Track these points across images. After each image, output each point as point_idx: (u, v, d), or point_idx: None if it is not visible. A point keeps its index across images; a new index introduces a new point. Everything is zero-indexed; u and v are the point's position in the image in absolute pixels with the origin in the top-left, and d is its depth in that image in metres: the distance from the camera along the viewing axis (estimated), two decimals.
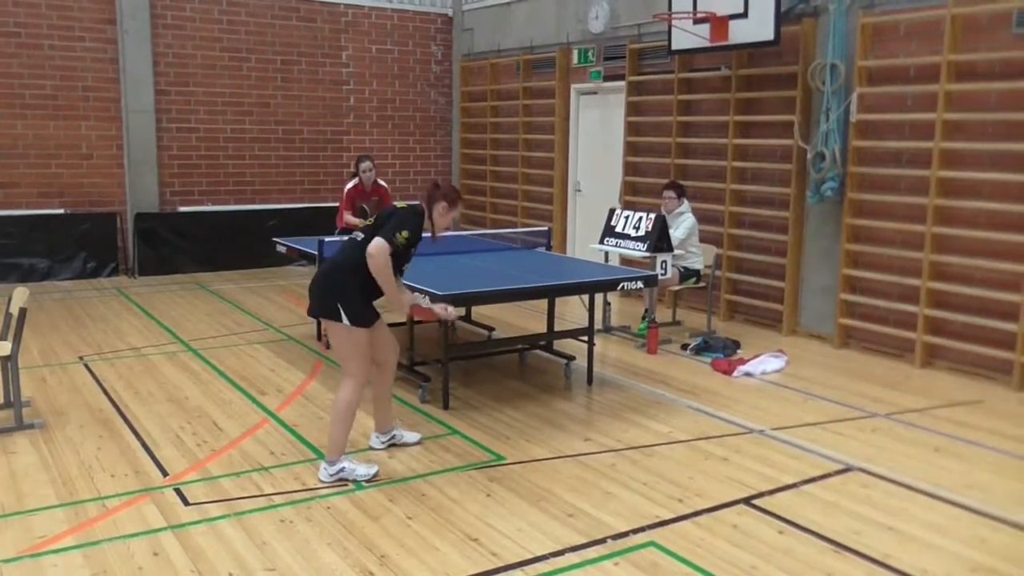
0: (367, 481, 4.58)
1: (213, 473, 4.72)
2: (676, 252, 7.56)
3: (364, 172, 8.31)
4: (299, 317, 8.66)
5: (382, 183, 8.61)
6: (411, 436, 5.20)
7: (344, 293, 4.51)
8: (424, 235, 4.74)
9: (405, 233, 4.47)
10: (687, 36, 8.29)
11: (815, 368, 7.02)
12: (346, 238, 4.81)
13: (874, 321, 7.46)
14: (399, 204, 4.76)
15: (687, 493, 4.50)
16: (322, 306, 4.60)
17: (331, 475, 4.58)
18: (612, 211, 8.07)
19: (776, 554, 3.86)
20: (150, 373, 6.64)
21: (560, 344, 7.09)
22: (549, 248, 7.90)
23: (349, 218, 8.25)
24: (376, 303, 4.69)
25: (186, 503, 4.32)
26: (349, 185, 8.40)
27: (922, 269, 6.97)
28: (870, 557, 3.84)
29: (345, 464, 4.60)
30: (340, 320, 4.50)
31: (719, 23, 7.95)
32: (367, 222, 4.80)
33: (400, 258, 4.60)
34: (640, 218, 7.59)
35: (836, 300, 7.69)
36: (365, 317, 4.57)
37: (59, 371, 6.65)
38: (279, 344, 7.60)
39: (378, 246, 4.40)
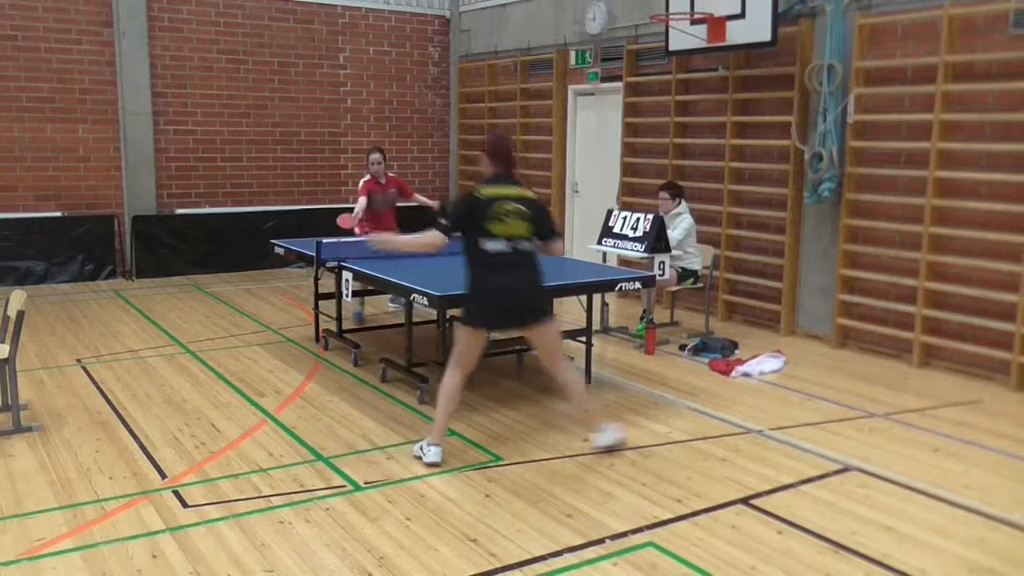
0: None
1: (211, 475, 4.72)
2: (674, 253, 7.56)
3: (373, 165, 8.36)
4: (297, 319, 8.66)
5: (392, 175, 8.62)
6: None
7: (547, 289, 4.92)
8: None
9: None
10: (684, 37, 8.30)
11: (813, 368, 7.02)
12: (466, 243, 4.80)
13: (872, 321, 7.46)
14: (508, 192, 4.73)
15: (686, 493, 4.50)
16: (543, 310, 4.87)
17: (610, 440, 5.01)
18: (610, 212, 8.08)
19: (775, 554, 3.86)
20: (148, 375, 6.63)
21: None
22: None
23: (357, 210, 8.20)
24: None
25: (185, 505, 4.32)
26: (365, 178, 8.45)
27: (920, 269, 6.98)
28: (868, 557, 3.84)
29: (611, 427, 5.05)
30: (552, 315, 4.86)
31: (716, 24, 7.95)
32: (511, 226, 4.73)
33: None
34: (638, 219, 7.59)
35: (834, 300, 7.70)
36: None
37: (57, 374, 6.65)
38: (277, 346, 7.60)
39: (560, 244, 5.01)
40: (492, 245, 4.65)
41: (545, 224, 4.83)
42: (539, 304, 4.85)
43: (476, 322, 4.81)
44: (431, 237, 4.78)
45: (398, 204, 8.62)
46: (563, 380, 5.04)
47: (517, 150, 4.99)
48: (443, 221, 4.74)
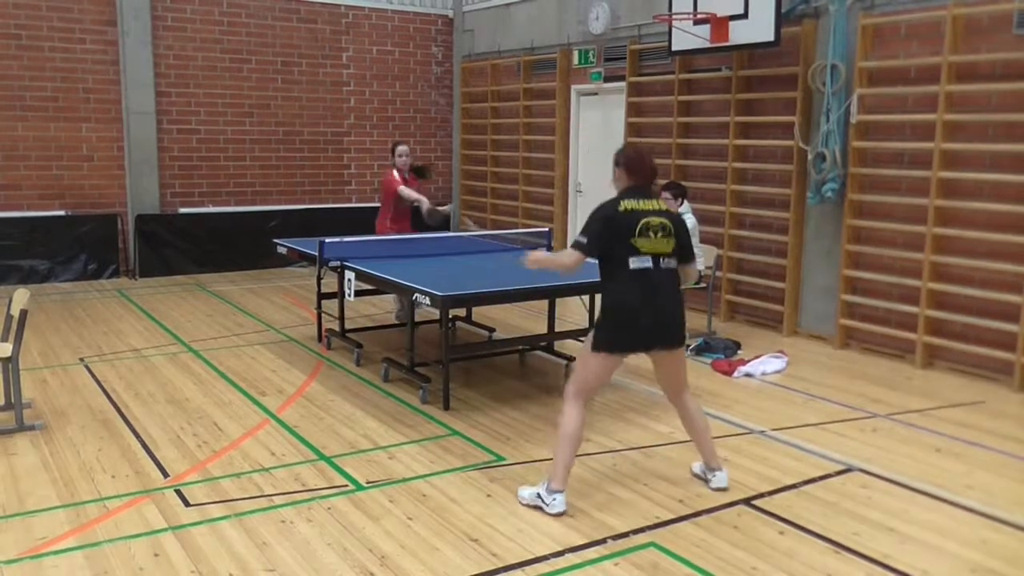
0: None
1: (214, 474, 4.72)
2: None
3: (400, 157, 7.99)
4: (300, 318, 8.66)
5: (416, 169, 8.29)
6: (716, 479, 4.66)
7: None
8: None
9: None
10: (687, 37, 8.29)
11: (816, 369, 7.01)
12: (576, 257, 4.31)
13: (875, 322, 7.46)
14: (652, 206, 4.36)
15: (687, 494, 4.50)
16: (681, 334, 4.46)
17: (725, 481, 4.59)
18: None
19: (776, 555, 3.85)
20: (151, 374, 6.64)
21: (561, 345, 7.09)
22: (550, 249, 7.88)
23: (407, 191, 7.84)
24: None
25: (187, 504, 4.32)
26: (393, 174, 8.00)
27: (923, 270, 6.97)
28: (870, 558, 3.83)
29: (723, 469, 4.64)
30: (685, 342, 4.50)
31: (719, 24, 7.95)
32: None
33: None
34: None
35: (837, 301, 7.69)
36: None
37: (60, 372, 6.66)
38: (280, 345, 7.61)
39: (695, 268, 4.62)
40: (638, 262, 4.25)
41: (687, 244, 4.43)
42: (681, 326, 4.44)
43: (616, 347, 4.33)
44: (568, 257, 4.33)
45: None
46: (685, 412, 4.61)
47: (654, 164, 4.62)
48: (581, 239, 4.29)
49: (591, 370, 4.39)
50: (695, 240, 7.77)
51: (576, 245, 4.31)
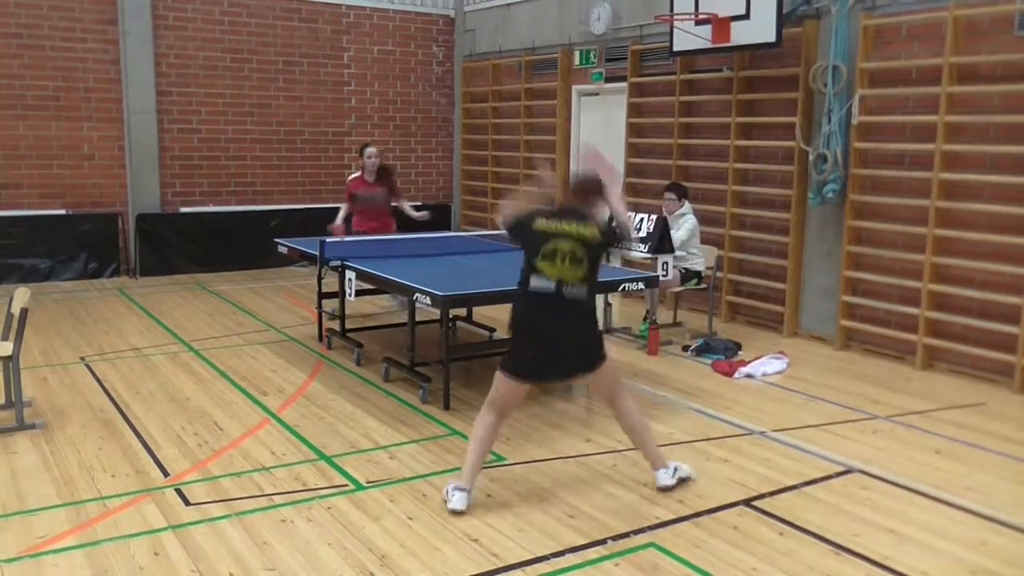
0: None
1: (214, 473, 4.72)
2: (677, 253, 7.55)
3: (369, 159, 8.26)
4: (300, 318, 8.66)
5: (387, 168, 8.56)
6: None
7: (598, 331, 4.38)
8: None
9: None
10: (689, 37, 8.29)
11: (816, 370, 7.01)
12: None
13: (875, 323, 7.45)
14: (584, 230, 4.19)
15: (687, 494, 4.50)
16: (585, 361, 4.28)
17: (673, 477, 4.50)
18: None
19: (776, 555, 3.85)
20: (151, 373, 6.64)
21: None
22: None
23: (338, 219, 8.21)
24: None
25: (187, 503, 4.32)
26: (351, 176, 8.44)
27: (923, 271, 6.97)
28: (870, 559, 3.83)
29: (673, 463, 4.55)
30: (606, 356, 4.31)
31: (721, 24, 7.95)
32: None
33: None
34: (642, 219, 7.58)
35: (837, 302, 7.68)
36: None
37: (60, 371, 6.66)
38: (280, 345, 7.61)
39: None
40: (538, 283, 4.15)
41: (597, 268, 4.28)
42: (579, 356, 4.27)
43: (514, 373, 4.26)
44: (500, 211, 4.41)
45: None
46: (617, 414, 4.54)
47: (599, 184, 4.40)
48: (507, 212, 4.33)
49: (500, 389, 4.33)
50: (695, 241, 7.80)
51: (503, 217, 4.35)
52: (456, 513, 4.21)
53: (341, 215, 8.32)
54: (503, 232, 4.38)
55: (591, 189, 4.35)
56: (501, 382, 4.31)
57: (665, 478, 4.50)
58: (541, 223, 4.21)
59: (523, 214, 4.31)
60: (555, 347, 4.21)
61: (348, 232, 8.21)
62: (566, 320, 4.17)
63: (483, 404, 4.41)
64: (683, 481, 4.56)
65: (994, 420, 5.80)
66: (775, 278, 8.25)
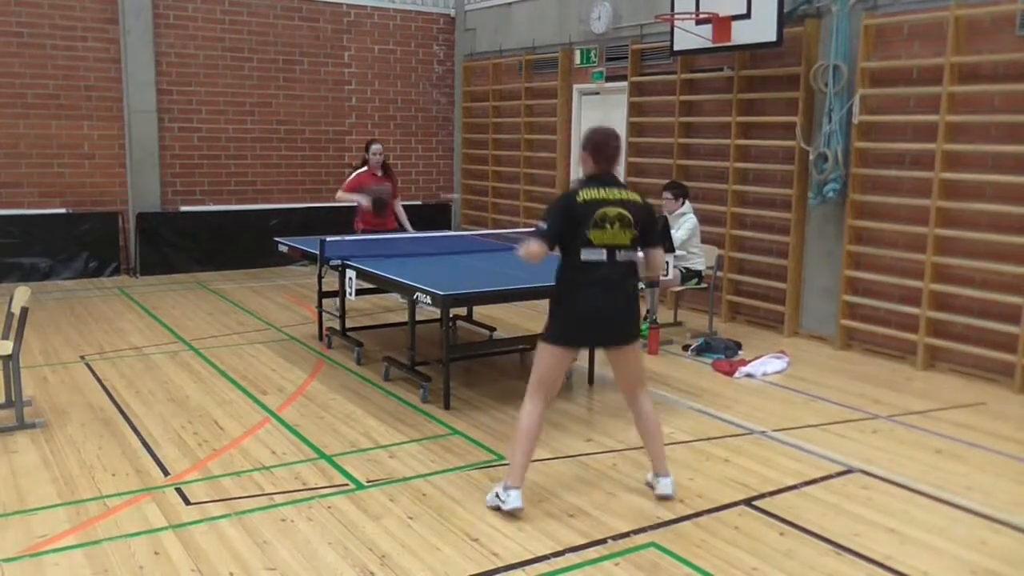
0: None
1: (214, 472, 4.72)
2: (678, 253, 7.55)
3: (375, 155, 8.38)
4: (301, 317, 8.66)
5: (389, 169, 8.68)
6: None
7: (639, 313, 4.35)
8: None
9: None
10: (689, 37, 8.28)
11: (816, 369, 7.01)
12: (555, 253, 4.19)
13: (876, 323, 7.45)
14: (613, 196, 4.15)
15: (688, 494, 4.50)
16: (635, 329, 4.34)
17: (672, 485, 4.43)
18: None
19: (777, 555, 3.85)
20: (151, 372, 6.64)
21: None
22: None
23: (348, 195, 8.34)
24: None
25: (187, 502, 4.32)
26: (357, 172, 8.48)
27: (924, 271, 6.97)
28: (871, 559, 3.83)
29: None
30: (639, 338, 4.32)
31: (721, 24, 7.94)
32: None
33: None
34: None
35: (838, 302, 7.68)
36: None
37: (60, 370, 6.66)
38: (280, 344, 7.61)
39: (664, 259, 4.45)
40: (589, 254, 4.13)
41: (651, 231, 4.25)
42: (629, 324, 4.30)
43: (563, 339, 4.25)
44: (535, 245, 4.11)
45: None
46: (638, 413, 4.46)
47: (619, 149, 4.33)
48: (542, 226, 4.14)
49: (545, 363, 4.26)
50: (695, 240, 7.80)
51: (537, 233, 4.14)
52: (517, 511, 4.15)
53: (360, 198, 8.28)
54: (545, 239, 4.13)
55: (614, 150, 4.27)
56: (547, 355, 4.24)
57: (668, 487, 4.41)
58: (584, 195, 4.15)
59: (561, 199, 4.28)
60: (608, 312, 4.19)
61: (360, 221, 8.35)
62: (620, 286, 4.20)
63: (527, 393, 4.28)
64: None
65: (994, 420, 5.80)
66: (775, 277, 8.25)
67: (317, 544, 3.90)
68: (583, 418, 5.76)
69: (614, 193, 4.16)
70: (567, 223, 4.13)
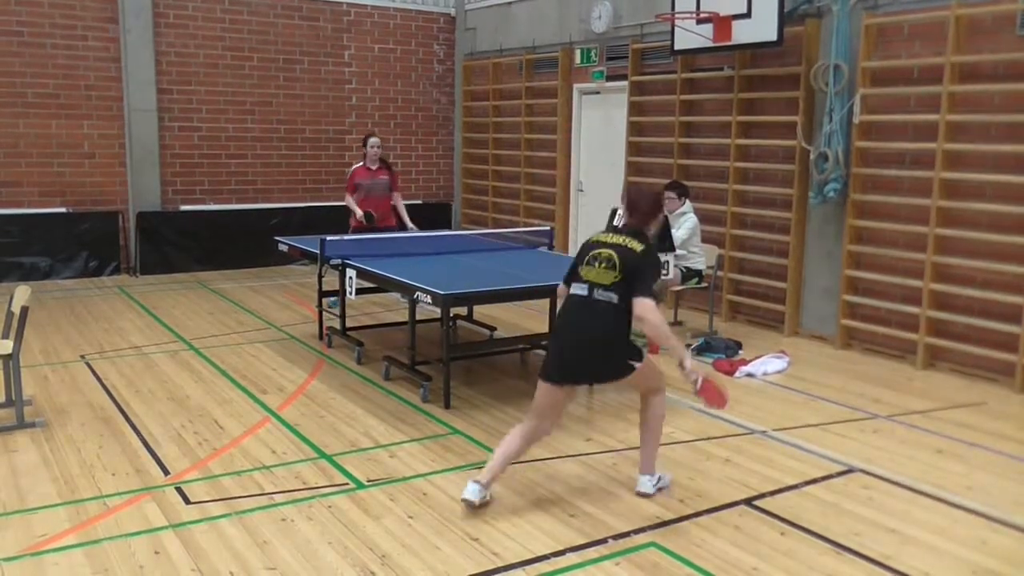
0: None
1: (214, 472, 4.72)
2: (678, 252, 7.54)
3: (372, 148, 8.61)
4: (301, 316, 8.66)
5: (385, 160, 8.88)
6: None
7: (627, 350, 4.28)
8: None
9: (658, 279, 4.47)
10: (690, 36, 8.28)
11: (817, 369, 7.01)
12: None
13: (876, 322, 7.45)
14: (609, 240, 4.31)
15: (688, 494, 4.50)
16: (617, 369, 4.29)
17: (654, 486, 4.47)
18: (614, 211, 8.03)
19: (777, 555, 3.85)
20: (151, 372, 6.64)
21: None
22: (551, 248, 7.90)
23: (351, 202, 8.53)
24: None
25: (187, 502, 4.32)
26: (354, 166, 8.76)
27: (924, 270, 6.97)
28: (871, 558, 3.83)
29: (659, 473, 4.53)
30: (635, 368, 4.29)
31: (722, 23, 7.94)
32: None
33: None
34: None
35: (838, 301, 7.68)
36: (637, 347, 4.36)
37: (61, 369, 6.65)
38: (281, 343, 7.60)
39: (647, 307, 4.12)
40: (576, 288, 4.30)
41: (636, 278, 4.16)
42: (599, 363, 4.27)
43: (543, 373, 4.32)
44: (663, 320, 4.27)
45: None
46: (643, 407, 4.50)
47: (657, 206, 4.53)
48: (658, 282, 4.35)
49: (537, 392, 4.33)
50: (696, 239, 7.80)
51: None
52: (465, 503, 4.20)
53: (356, 210, 8.50)
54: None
55: (644, 209, 4.41)
56: (538, 386, 4.34)
57: (647, 485, 4.47)
58: (597, 236, 4.42)
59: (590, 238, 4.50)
60: (578, 348, 4.24)
61: (356, 224, 8.47)
62: (593, 323, 4.22)
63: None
64: (660, 490, 4.51)
65: (995, 419, 5.79)
66: (776, 277, 8.24)
67: (317, 544, 3.90)
68: (583, 418, 5.76)
69: (617, 239, 4.30)
70: (576, 260, 4.40)
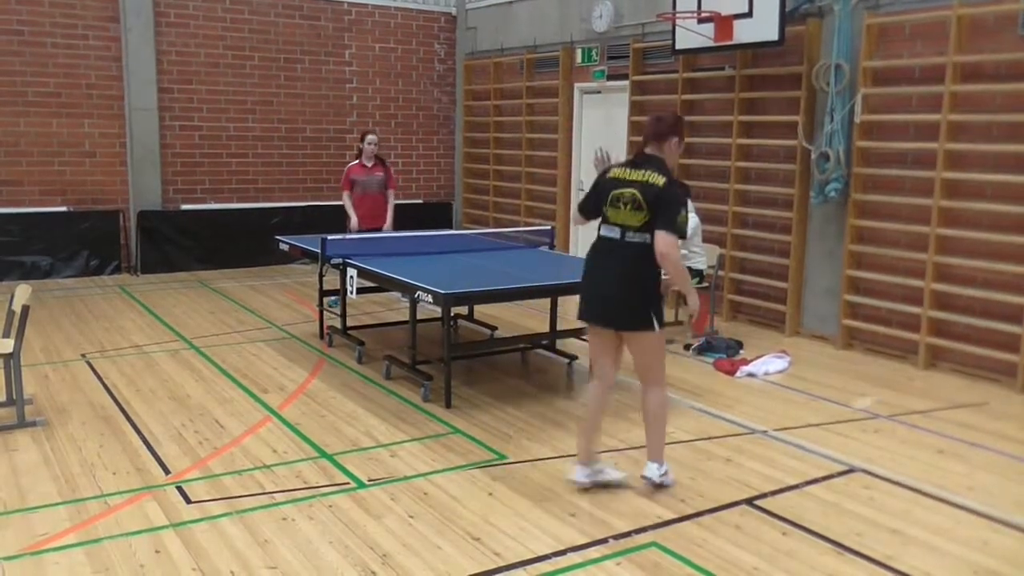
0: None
1: (215, 471, 4.72)
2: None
3: (369, 145, 8.69)
4: (302, 315, 8.66)
5: (381, 158, 8.98)
6: (616, 474, 4.58)
7: (654, 298, 4.19)
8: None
9: (684, 213, 4.18)
10: (691, 36, 8.27)
11: (818, 369, 7.00)
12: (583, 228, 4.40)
13: (877, 322, 7.44)
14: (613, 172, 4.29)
15: (689, 493, 4.49)
16: (632, 317, 4.22)
17: (660, 476, 4.45)
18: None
19: (778, 555, 3.85)
20: (152, 371, 6.64)
21: (563, 343, 7.09)
22: (552, 247, 7.89)
23: (347, 204, 8.63)
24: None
25: (188, 501, 4.32)
26: (350, 163, 8.86)
27: (926, 270, 6.96)
28: (872, 559, 3.83)
29: (666, 465, 4.50)
30: (652, 328, 4.19)
31: (723, 23, 7.93)
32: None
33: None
34: None
35: (839, 301, 7.67)
36: (661, 308, 4.30)
37: (61, 368, 6.65)
38: (281, 342, 7.60)
39: (668, 243, 4.06)
40: (605, 231, 4.32)
41: (658, 214, 4.10)
42: (621, 309, 4.25)
43: (580, 312, 4.40)
44: (680, 258, 4.24)
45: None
46: (643, 399, 4.47)
47: (673, 125, 4.41)
48: (682, 216, 4.19)
49: (588, 340, 4.47)
50: (697, 239, 7.79)
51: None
52: (577, 485, 4.43)
53: (352, 213, 8.59)
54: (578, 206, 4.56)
55: (663, 130, 4.34)
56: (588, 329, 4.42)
57: (652, 471, 4.46)
58: (614, 171, 4.36)
59: (600, 171, 4.46)
60: (608, 288, 4.27)
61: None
62: (623, 266, 4.22)
63: None
64: (663, 486, 4.49)
65: (996, 420, 5.79)
66: (777, 277, 8.24)
67: (318, 543, 3.89)
68: (584, 417, 5.74)
69: (636, 174, 4.24)
70: (595, 195, 4.39)
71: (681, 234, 4.15)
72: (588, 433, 4.49)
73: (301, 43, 11.82)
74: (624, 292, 4.25)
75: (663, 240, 4.09)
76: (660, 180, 4.18)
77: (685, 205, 4.27)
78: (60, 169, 10.58)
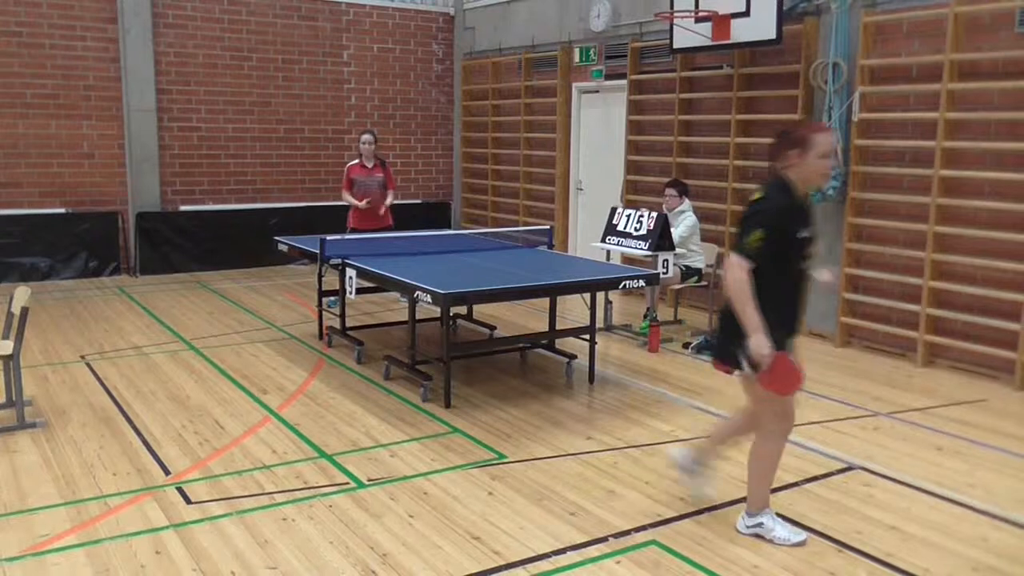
0: (790, 544, 3.92)
1: (215, 472, 4.72)
2: (678, 251, 7.56)
3: (364, 144, 8.70)
4: (301, 316, 8.66)
5: (381, 158, 8.99)
6: (706, 488, 4.34)
7: (739, 332, 3.67)
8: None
9: (758, 233, 3.60)
10: (689, 35, 8.28)
11: (817, 367, 7.00)
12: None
13: (876, 320, 7.45)
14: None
15: (689, 492, 4.49)
16: (720, 350, 3.89)
17: (748, 527, 4.00)
18: (614, 210, 8.07)
19: (778, 553, 3.85)
20: (152, 372, 6.64)
21: (562, 343, 7.09)
22: (551, 247, 7.90)
23: (348, 196, 8.65)
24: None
25: (188, 501, 4.32)
26: (349, 163, 8.88)
27: (924, 268, 6.97)
28: (872, 556, 3.83)
29: (764, 519, 3.97)
30: (737, 366, 3.76)
31: (721, 22, 7.94)
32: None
33: (786, 256, 3.70)
34: (642, 217, 7.59)
35: (838, 299, 7.68)
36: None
37: (61, 370, 6.65)
38: (281, 343, 7.60)
39: (730, 264, 3.63)
40: None
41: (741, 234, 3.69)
42: (722, 340, 3.89)
43: None
44: (745, 285, 3.67)
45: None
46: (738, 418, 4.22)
47: (779, 143, 3.78)
48: (754, 235, 3.65)
49: None
50: (695, 238, 7.80)
51: None
52: (671, 458, 4.48)
53: (355, 201, 8.59)
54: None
55: (773, 151, 3.79)
56: None
57: (740, 523, 4.04)
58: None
59: None
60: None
61: (352, 220, 8.56)
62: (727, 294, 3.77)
63: None
64: (757, 536, 4.01)
65: (995, 417, 5.80)
66: None
67: (318, 543, 3.90)
68: (584, 416, 5.76)
69: (755, 195, 3.81)
70: None
71: (747, 255, 3.62)
72: (715, 435, 4.29)
73: (299, 44, 11.82)
74: (720, 321, 3.96)
75: (728, 262, 3.70)
76: (757, 195, 3.76)
77: (762, 224, 3.63)
78: (59, 171, 10.58)
